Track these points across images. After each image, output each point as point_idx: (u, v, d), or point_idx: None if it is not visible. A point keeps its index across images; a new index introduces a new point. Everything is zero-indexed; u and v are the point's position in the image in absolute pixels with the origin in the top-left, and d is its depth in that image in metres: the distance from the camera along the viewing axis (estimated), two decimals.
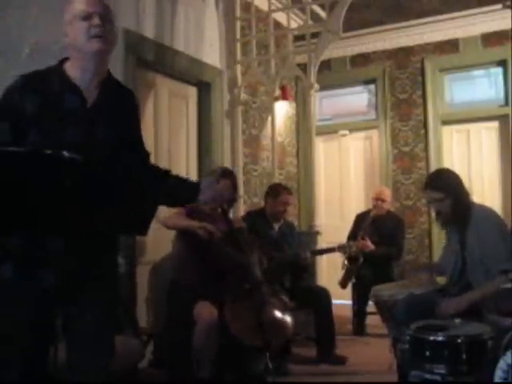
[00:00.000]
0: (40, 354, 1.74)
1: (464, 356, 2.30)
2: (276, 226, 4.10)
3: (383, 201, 4.99)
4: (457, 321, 2.57)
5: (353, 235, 4.91)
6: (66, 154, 1.40)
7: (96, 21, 1.71)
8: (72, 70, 1.77)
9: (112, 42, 1.78)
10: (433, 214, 3.47)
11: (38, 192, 1.41)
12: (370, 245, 4.69)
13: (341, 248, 4.17)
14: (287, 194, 4.11)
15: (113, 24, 1.79)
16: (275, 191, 4.13)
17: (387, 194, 5.15)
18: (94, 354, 1.77)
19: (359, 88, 6.57)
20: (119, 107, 1.84)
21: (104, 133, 1.76)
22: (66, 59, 1.80)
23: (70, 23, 1.74)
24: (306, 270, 4.36)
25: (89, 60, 1.74)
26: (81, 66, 1.76)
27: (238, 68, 4.92)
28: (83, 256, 1.73)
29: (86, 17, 1.71)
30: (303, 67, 4.89)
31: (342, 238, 5.12)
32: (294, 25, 5.28)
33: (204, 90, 4.69)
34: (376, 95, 6.39)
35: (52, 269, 1.69)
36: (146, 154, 1.99)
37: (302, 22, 5.53)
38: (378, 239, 4.74)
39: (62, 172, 1.42)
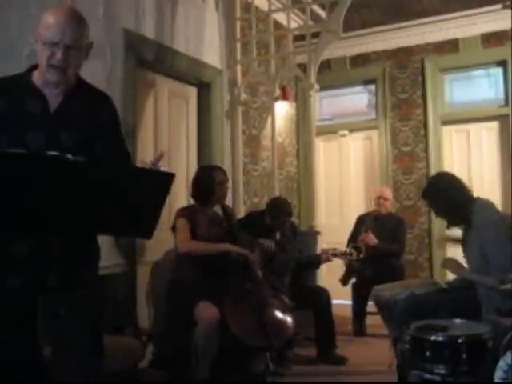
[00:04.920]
0: (27, 353, 1.76)
1: (464, 356, 2.30)
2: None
3: (385, 199, 5.01)
4: (457, 321, 2.58)
5: (354, 237, 4.91)
6: (69, 156, 1.41)
7: (59, 52, 1.70)
8: (37, 77, 1.80)
9: (75, 68, 1.78)
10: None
11: (40, 194, 1.41)
12: (373, 238, 4.70)
13: (342, 255, 4.16)
14: (286, 216, 4.05)
15: (81, 47, 1.77)
16: (275, 210, 4.04)
17: (389, 193, 5.18)
18: (78, 354, 1.76)
19: (359, 88, 6.57)
20: (85, 115, 1.82)
21: (67, 136, 1.76)
22: (35, 66, 1.82)
23: (37, 40, 1.75)
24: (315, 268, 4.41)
25: (49, 79, 1.77)
26: (43, 78, 1.78)
27: (238, 68, 4.92)
28: (72, 256, 1.75)
29: (52, 44, 1.71)
30: (303, 67, 4.88)
31: (342, 237, 5.12)
32: (294, 25, 5.27)
33: (204, 90, 4.69)
34: (376, 95, 6.38)
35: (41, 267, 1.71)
36: (123, 155, 1.95)
37: (302, 22, 5.53)
38: (380, 237, 4.75)
39: (65, 174, 1.42)
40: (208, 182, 3.34)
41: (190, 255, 3.24)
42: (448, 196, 2.93)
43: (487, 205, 2.97)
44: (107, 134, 1.86)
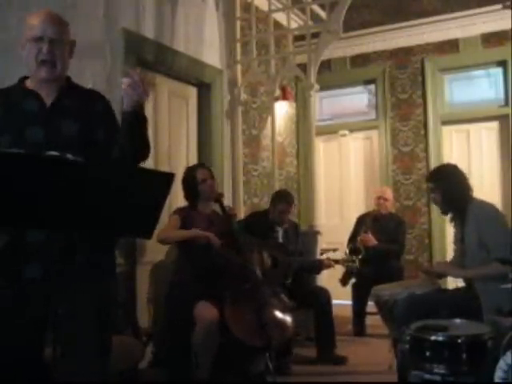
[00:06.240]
0: (32, 353, 1.76)
1: (464, 356, 2.30)
2: (279, 229, 4.09)
3: (386, 200, 5.01)
4: (457, 321, 2.58)
5: (354, 237, 4.91)
6: (69, 156, 1.41)
7: (45, 47, 1.79)
8: (29, 83, 1.87)
9: (64, 63, 1.85)
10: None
11: (39, 193, 1.41)
12: (372, 239, 4.70)
13: (343, 262, 4.16)
14: (286, 205, 4.05)
15: (66, 42, 1.85)
16: (275, 199, 4.13)
17: (389, 193, 5.18)
18: (83, 353, 1.76)
19: (359, 88, 6.57)
20: (82, 107, 1.87)
21: (67, 126, 1.81)
22: (26, 77, 1.89)
23: (24, 43, 1.84)
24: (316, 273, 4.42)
25: (41, 77, 1.83)
26: (35, 82, 1.86)
27: (238, 68, 4.92)
28: (74, 255, 1.75)
29: (37, 40, 1.79)
30: (303, 67, 4.88)
31: (342, 238, 5.13)
32: (294, 25, 5.28)
33: (204, 90, 4.69)
34: (376, 95, 6.38)
35: (41, 265, 1.73)
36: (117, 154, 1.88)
37: (302, 22, 5.53)
38: (380, 237, 4.75)
39: (64, 174, 1.42)
40: (191, 182, 3.41)
41: (190, 257, 3.26)
42: (451, 184, 3.07)
43: (483, 201, 3.10)
44: (105, 123, 1.90)
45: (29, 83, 1.87)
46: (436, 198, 3.16)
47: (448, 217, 3.24)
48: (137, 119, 1.81)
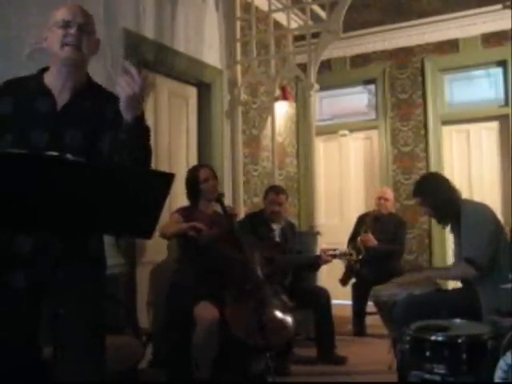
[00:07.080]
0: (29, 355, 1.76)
1: (464, 356, 2.30)
2: (276, 228, 4.09)
3: (386, 200, 5.02)
4: (457, 321, 2.58)
5: (354, 237, 4.91)
6: (69, 156, 1.41)
7: (73, 30, 1.76)
8: (48, 76, 1.83)
9: (89, 51, 1.82)
10: None
11: (39, 193, 1.41)
12: (372, 239, 4.70)
13: (342, 255, 4.15)
14: (274, 194, 4.05)
15: (93, 34, 1.83)
16: (265, 193, 4.19)
17: (390, 193, 5.19)
18: (80, 353, 1.75)
19: (359, 88, 6.57)
20: (93, 112, 1.82)
21: (71, 135, 1.78)
22: (47, 67, 1.86)
23: (49, 29, 1.81)
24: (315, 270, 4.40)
25: (62, 65, 1.80)
26: (55, 71, 1.82)
27: (238, 68, 4.92)
28: (70, 256, 1.74)
29: (65, 25, 1.77)
30: (303, 67, 4.89)
31: (342, 238, 5.13)
32: (294, 25, 5.28)
33: (204, 90, 4.69)
34: (376, 95, 6.39)
35: (40, 268, 1.72)
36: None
37: (302, 22, 5.53)
38: (380, 237, 4.75)
39: (64, 174, 1.42)
40: (193, 181, 3.44)
41: (190, 257, 3.26)
42: (436, 194, 3.06)
43: (473, 202, 3.13)
44: (113, 130, 1.81)
45: (47, 77, 1.82)
46: (427, 211, 3.18)
47: (448, 228, 3.21)
48: (139, 131, 1.73)
